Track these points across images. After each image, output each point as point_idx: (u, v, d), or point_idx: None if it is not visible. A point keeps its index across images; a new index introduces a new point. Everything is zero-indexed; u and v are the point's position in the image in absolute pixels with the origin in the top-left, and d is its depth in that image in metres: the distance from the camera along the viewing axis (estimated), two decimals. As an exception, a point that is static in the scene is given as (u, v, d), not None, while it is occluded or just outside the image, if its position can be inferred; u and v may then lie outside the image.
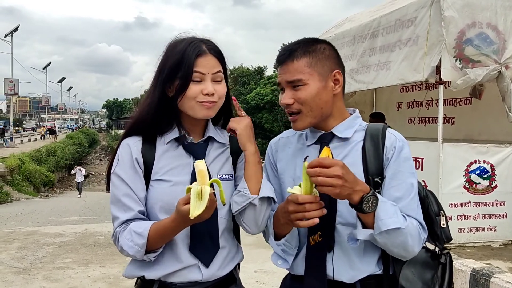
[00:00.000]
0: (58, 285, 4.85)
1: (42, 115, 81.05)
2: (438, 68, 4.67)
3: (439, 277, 1.48)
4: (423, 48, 4.85)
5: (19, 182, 19.64)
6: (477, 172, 4.87)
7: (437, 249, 1.52)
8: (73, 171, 24.20)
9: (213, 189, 1.28)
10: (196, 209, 1.24)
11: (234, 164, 1.58)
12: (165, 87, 1.47)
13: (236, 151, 1.58)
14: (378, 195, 1.33)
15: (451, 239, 1.54)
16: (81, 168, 23.72)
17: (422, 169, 5.01)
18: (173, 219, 1.36)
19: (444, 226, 1.52)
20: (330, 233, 1.43)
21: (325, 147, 1.31)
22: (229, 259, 1.52)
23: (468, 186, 4.85)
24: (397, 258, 1.43)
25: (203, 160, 1.32)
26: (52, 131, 43.31)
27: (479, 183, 4.88)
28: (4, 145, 31.39)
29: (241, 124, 1.49)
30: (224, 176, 1.52)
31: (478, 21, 4.73)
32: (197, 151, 1.51)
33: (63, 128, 73.43)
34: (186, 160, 1.50)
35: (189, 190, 1.28)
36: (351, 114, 1.55)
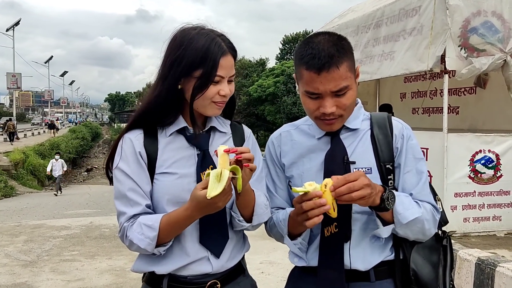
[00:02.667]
0: (65, 277, 4.90)
1: (45, 109, 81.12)
2: (443, 58, 4.64)
3: (442, 259, 1.52)
4: (427, 38, 4.81)
5: (23, 176, 19.75)
6: (482, 161, 4.85)
7: (439, 232, 1.56)
8: (48, 167, 18.06)
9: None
10: (213, 190, 1.23)
11: None
12: (178, 80, 1.43)
13: (239, 140, 1.57)
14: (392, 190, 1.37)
15: (447, 222, 1.61)
16: (59, 158, 18.22)
17: (427, 159, 5.00)
18: (186, 208, 1.35)
19: (441, 210, 1.56)
20: (347, 223, 1.44)
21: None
22: (237, 249, 1.52)
23: (473, 176, 4.84)
24: (407, 243, 1.47)
25: (226, 145, 1.31)
26: (51, 125, 41.37)
27: (484, 172, 4.87)
28: (8, 139, 31.43)
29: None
30: None
31: (483, 10, 4.68)
32: (200, 142, 1.49)
33: (63, 122, 72.79)
34: (190, 152, 1.49)
35: (208, 175, 1.27)
36: (355, 105, 1.55)
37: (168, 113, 1.48)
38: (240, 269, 1.54)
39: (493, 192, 4.92)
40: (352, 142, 1.49)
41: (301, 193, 1.29)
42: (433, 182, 4.81)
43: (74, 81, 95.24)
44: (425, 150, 5.03)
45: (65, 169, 18.68)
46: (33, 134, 39.39)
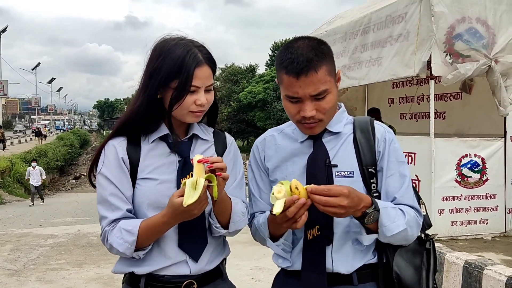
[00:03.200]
0: (52, 286, 4.83)
1: (32, 117, 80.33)
2: (429, 63, 4.71)
3: (425, 262, 1.53)
4: (413, 44, 4.88)
5: (10, 184, 19.47)
6: (468, 165, 4.91)
7: (422, 235, 1.56)
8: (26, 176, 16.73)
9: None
10: (189, 198, 1.27)
11: None
12: (157, 91, 1.47)
13: (221, 147, 1.60)
14: (379, 203, 1.38)
15: (431, 225, 1.62)
16: (36, 166, 16.81)
17: (414, 164, 5.05)
18: (163, 214, 1.38)
19: (424, 213, 1.57)
20: (329, 226, 1.45)
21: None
22: (216, 253, 1.55)
23: (459, 180, 4.90)
24: (390, 247, 1.48)
25: (202, 155, 1.34)
26: (38, 133, 40.22)
27: (471, 176, 4.93)
28: (-5, 147, 31.02)
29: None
30: None
31: (468, 16, 4.77)
32: (181, 149, 1.53)
33: (51, 129, 71.36)
34: (171, 158, 1.52)
35: (184, 184, 1.30)
36: (338, 109, 1.56)
37: (149, 122, 1.52)
38: (218, 272, 1.57)
39: (479, 196, 4.98)
40: (334, 146, 1.50)
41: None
42: (421, 186, 4.90)
43: (62, 88, 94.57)
44: (413, 155, 5.08)
45: (44, 177, 16.95)
46: (19, 141, 38.93)
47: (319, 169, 1.45)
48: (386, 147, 1.50)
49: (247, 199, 1.62)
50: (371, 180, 1.46)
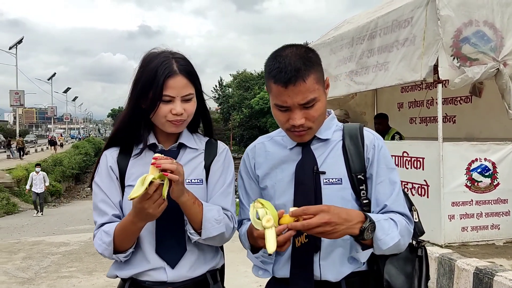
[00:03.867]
0: (62, 294, 4.88)
1: (49, 126, 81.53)
2: (436, 68, 4.66)
3: (417, 270, 1.51)
4: (420, 48, 4.83)
5: (26, 192, 19.75)
6: (479, 170, 4.83)
7: (414, 242, 1.54)
8: (28, 184, 15.40)
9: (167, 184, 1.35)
10: (136, 192, 1.30)
11: (208, 168, 1.61)
12: (138, 101, 1.53)
13: (211, 156, 1.63)
14: (373, 217, 1.36)
15: (423, 232, 1.61)
16: (40, 171, 15.59)
17: (423, 169, 4.99)
18: (129, 213, 1.43)
19: (417, 220, 1.56)
20: None
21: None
22: (201, 262, 1.56)
23: (469, 185, 4.82)
24: (380, 254, 1.45)
25: (162, 155, 1.39)
26: (51, 142, 39.89)
27: (481, 181, 4.84)
28: (11, 156, 31.59)
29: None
30: (193, 180, 1.57)
31: (475, 19, 4.71)
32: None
33: (67, 137, 71.86)
34: None
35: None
36: (327, 116, 1.56)
37: (137, 131, 1.57)
38: (204, 282, 1.57)
39: (490, 201, 4.89)
40: (322, 153, 1.50)
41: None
42: (430, 192, 4.84)
43: (77, 97, 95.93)
44: (421, 160, 5.02)
45: (47, 184, 15.83)
46: (36, 150, 39.53)
47: (307, 176, 1.45)
48: (376, 153, 1.49)
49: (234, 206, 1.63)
50: (360, 187, 1.46)
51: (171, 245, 1.52)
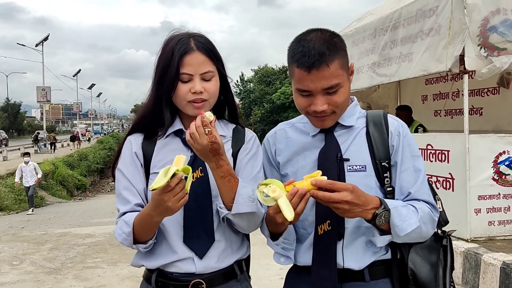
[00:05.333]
0: (88, 283, 4.99)
1: (74, 121, 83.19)
2: (462, 58, 4.54)
3: (442, 259, 1.48)
4: (445, 38, 4.71)
5: (53, 186, 20.27)
6: (506, 163, 4.70)
7: (439, 232, 1.51)
8: (17, 177, 13.19)
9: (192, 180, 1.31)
10: (157, 183, 1.25)
11: (235, 156, 1.56)
12: (160, 84, 1.49)
13: (238, 143, 1.58)
14: (388, 202, 1.34)
15: (448, 222, 1.57)
16: (30, 161, 13.10)
17: (448, 162, 4.88)
18: (147, 205, 1.39)
19: (441, 209, 1.52)
20: (340, 221, 1.41)
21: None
22: (228, 252, 1.52)
23: (497, 178, 4.69)
24: (404, 243, 1.43)
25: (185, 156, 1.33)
26: (73, 138, 38.76)
27: (509, 174, 4.71)
28: (39, 151, 32.44)
29: (197, 145, 1.37)
30: None
31: (503, 8, 4.56)
32: None
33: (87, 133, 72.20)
34: (184, 154, 1.48)
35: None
36: (350, 103, 1.53)
37: (161, 117, 1.53)
38: (232, 273, 1.54)
39: (519, 194, 4.75)
40: (346, 140, 1.47)
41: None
42: (455, 185, 4.74)
43: (101, 93, 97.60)
44: (446, 152, 4.92)
45: (39, 175, 13.41)
46: (62, 145, 40.45)
47: (330, 163, 1.43)
48: (400, 141, 1.45)
49: None
50: (385, 175, 1.43)
51: (199, 235, 1.47)
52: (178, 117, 1.56)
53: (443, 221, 1.53)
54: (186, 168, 1.28)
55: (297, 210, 1.26)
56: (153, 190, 1.26)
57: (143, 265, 1.53)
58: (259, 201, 1.43)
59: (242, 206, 1.41)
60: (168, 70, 1.44)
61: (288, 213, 1.23)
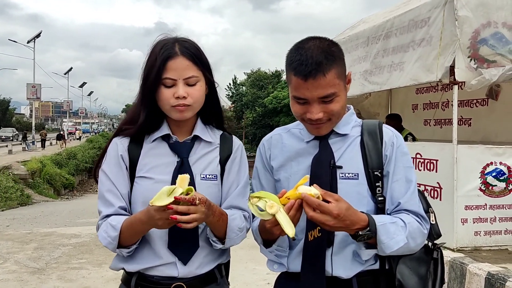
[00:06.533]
0: (72, 285, 4.92)
1: (64, 120, 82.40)
2: (452, 69, 4.59)
3: (432, 272, 1.48)
4: (436, 48, 4.77)
5: (40, 185, 20.01)
6: (494, 174, 4.75)
7: (430, 244, 1.51)
8: None
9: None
10: (158, 200, 1.26)
11: (223, 164, 1.58)
12: (145, 88, 1.50)
13: (226, 151, 1.59)
14: (377, 219, 1.34)
15: (440, 235, 1.56)
16: None
17: (436, 171, 4.93)
18: (141, 212, 1.39)
19: (433, 222, 1.53)
20: None
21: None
22: (210, 258, 1.53)
23: (484, 189, 4.74)
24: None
25: (187, 175, 1.33)
26: (59, 136, 37.83)
27: (496, 185, 4.76)
28: (27, 148, 32.07)
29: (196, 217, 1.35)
30: (207, 176, 1.54)
31: (493, 21, 4.63)
32: (181, 150, 1.53)
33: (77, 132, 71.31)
34: (170, 159, 1.53)
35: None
36: (346, 111, 1.54)
37: (148, 121, 1.53)
38: (212, 277, 1.55)
39: (505, 206, 4.80)
40: (340, 147, 1.48)
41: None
42: (443, 195, 4.77)
43: (92, 92, 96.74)
44: (434, 162, 4.96)
45: None
46: (51, 143, 40.05)
47: (323, 170, 1.43)
48: (394, 151, 1.46)
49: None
50: (377, 184, 1.43)
51: (184, 241, 1.48)
52: (165, 121, 1.55)
53: (435, 233, 1.53)
54: (189, 189, 1.29)
55: (293, 221, 1.28)
56: (151, 204, 1.27)
57: (123, 268, 1.53)
58: (248, 216, 1.52)
59: (234, 240, 1.49)
60: (151, 75, 1.45)
61: (290, 230, 1.24)
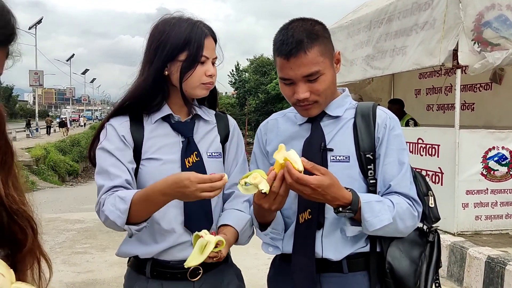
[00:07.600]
0: (76, 269, 4.98)
1: (67, 107, 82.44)
2: (455, 53, 4.55)
3: (427, 255, 1.47)
4: (440, 32, 4.71)
5: (44, 171, 20.14)
6: (495, 158, 4.74)
7: (425, 227, 1.50)
8: None
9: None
10: (194, 260, 1.29)
11: (223, 142, 1.59)
12: (164, 65, 1.47)
13: (223, 130, 1.60)
14: (362, 197, 1.34)
15: (439, 218, 1.53)
16: None
17: (438, 156, 4.92)
18: (162, 183, 1.31)
19: (432, 206, 1.51)
20: (320, 211, 1.42)
21: (280, 145, 1.31)
22: None
23: (485, 173, 4.74)
24: (384, 236, 1.43)
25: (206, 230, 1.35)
26: (62, 124, 37.65)
27: (497, 169, 4.76)
28: (30, 135, 32.21)
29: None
30: (213, 154, 1.55)
31: (497, 3, 4.57)
32: (184, 129, 1.53)
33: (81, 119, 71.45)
34: (174, 139, 1.52)
35: (196, 237, 1.32)
36: (341, 93, 1.53)
37: (153, 99, 1.51)
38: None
39: (506, 190, 4.80)
40: (332, 130, 1.47)
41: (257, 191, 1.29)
42: (444, 179, 4.77)
43: (95, 79, 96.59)
44: (436, 147, 4.95)
45: None
46: (55, 130, 40.18)
47: (314, 152, 1.43)
48: (386, 133, 1.45)
49: None
50: (368, 167, 1.42)
51: (199, 218, 1.47)
52: (165, 102, 1.54)
53: (434, 217, 1.51)
54: (220, 240, 1.33)
55: (280, 192, 1.28)
56: (188, 267, 1.31)
57: (137, 255, 1.48)
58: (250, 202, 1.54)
59: (244, 242, 1.54)
60: (184, 52, 1.45)
61: (264, 186, 1.25)
